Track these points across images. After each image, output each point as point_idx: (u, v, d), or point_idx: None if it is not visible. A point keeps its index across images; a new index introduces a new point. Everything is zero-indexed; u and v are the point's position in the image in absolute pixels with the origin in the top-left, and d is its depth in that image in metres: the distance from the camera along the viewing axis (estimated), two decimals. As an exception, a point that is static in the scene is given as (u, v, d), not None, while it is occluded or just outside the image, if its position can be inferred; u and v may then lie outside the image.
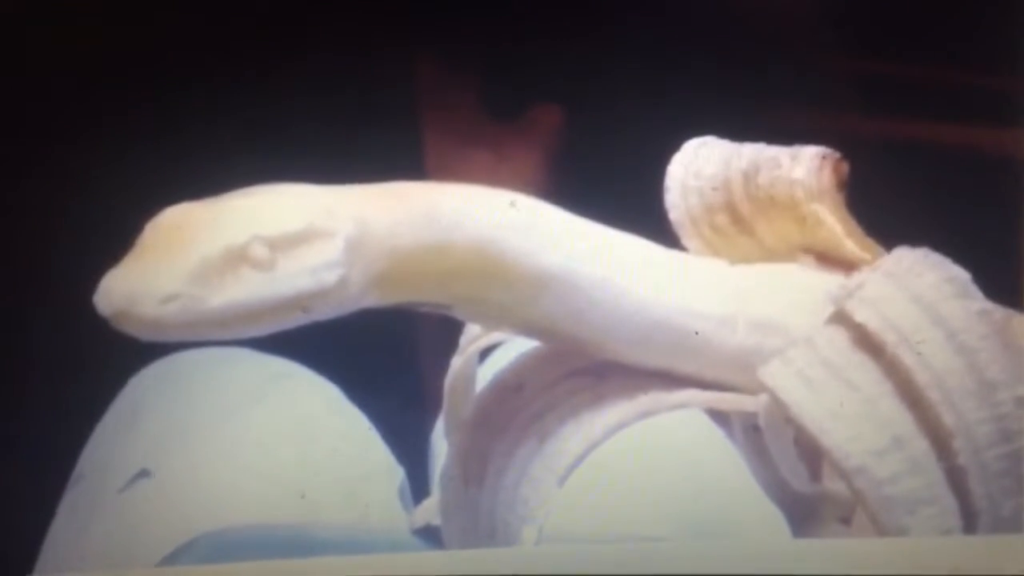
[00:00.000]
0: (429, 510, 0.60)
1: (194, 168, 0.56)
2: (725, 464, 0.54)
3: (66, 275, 0.49)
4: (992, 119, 0.63)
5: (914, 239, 0.46)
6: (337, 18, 0.70)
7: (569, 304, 0.46)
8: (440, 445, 0.61)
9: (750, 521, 0.55)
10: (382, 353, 0.67)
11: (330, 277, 0.43)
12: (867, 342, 0.44)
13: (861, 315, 0.44)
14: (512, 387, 0.50)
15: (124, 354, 0.64)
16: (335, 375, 0.68)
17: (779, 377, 0.45)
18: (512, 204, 0.46)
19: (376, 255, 0.44)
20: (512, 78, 0.72)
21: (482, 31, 0.70)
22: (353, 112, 0.69)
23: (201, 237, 0.42)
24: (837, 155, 0.49)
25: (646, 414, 0.47)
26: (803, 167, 0.49)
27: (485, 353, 0.54)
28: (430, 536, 0.59)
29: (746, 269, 0.49)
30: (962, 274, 0.44)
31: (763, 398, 0.45)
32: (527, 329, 0.49)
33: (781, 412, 0.45)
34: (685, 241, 0.51)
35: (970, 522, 0.44)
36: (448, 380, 0.53)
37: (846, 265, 0.48)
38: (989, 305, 0.44)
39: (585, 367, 0.49)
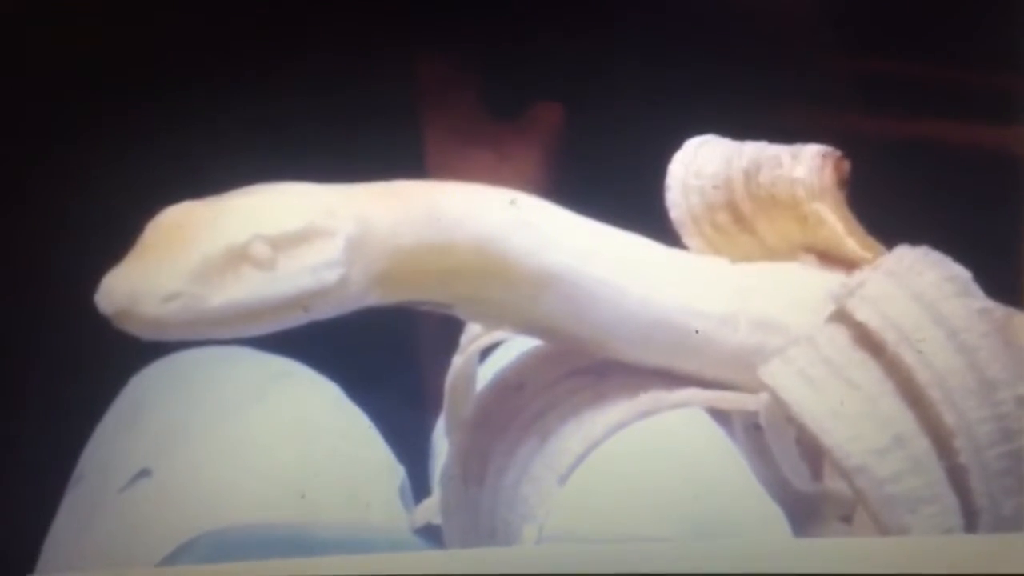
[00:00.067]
0: (430, 509, 0.60)
1: (195, 167, 0.56)
2: (726, 463, 0.54)
3: (67, 274, 0.49)
4: (993, 117, 0.63)
5: (915, 237, 0.46)
6: (337, 18, 0.70)
7: (570, 303, 0.46)
8: (441, 444, 0.61)
9: (751, 520, 0.55)
10: (383, 352, 0.67)
11: (331, 276, 0.43)
12: (868, 341, 0.44)
13: (862, 314, 0.44)
14: (513, 386, 0.50)
15: (125, 353, 0.64)
16: (336, 374, 0.68)
17: (780, 376, 0.45)
18: (513, 203, 0.46)
19: (377, 254, 0.44)
20: (513, 77, 0.72)
21: (483, 30, 0.70)
22: (354, 111, 0.69)
23: (202, 236, 0.42)
24: (838, 154, 0.49)
25: (647, 413, 0.47)
26: (804, 166, 0.49)
27: (486, 352, 0.54)
28: (431, 535, 0.59)
29: (747, 268, 0.49)
30: (963, 272, 0.44)
31: (764, 397, 0.45)
32: (528, 328, 0.49)
33: (782, 411, 0.45)
34: (686, 240, 0.51)
35: (971, 521, 0.44)
36: (449, 379, 0.53)
37: (847, 264, 0.48)
38: (990, 303, 0.44)
39: (586, 366, 0.49)
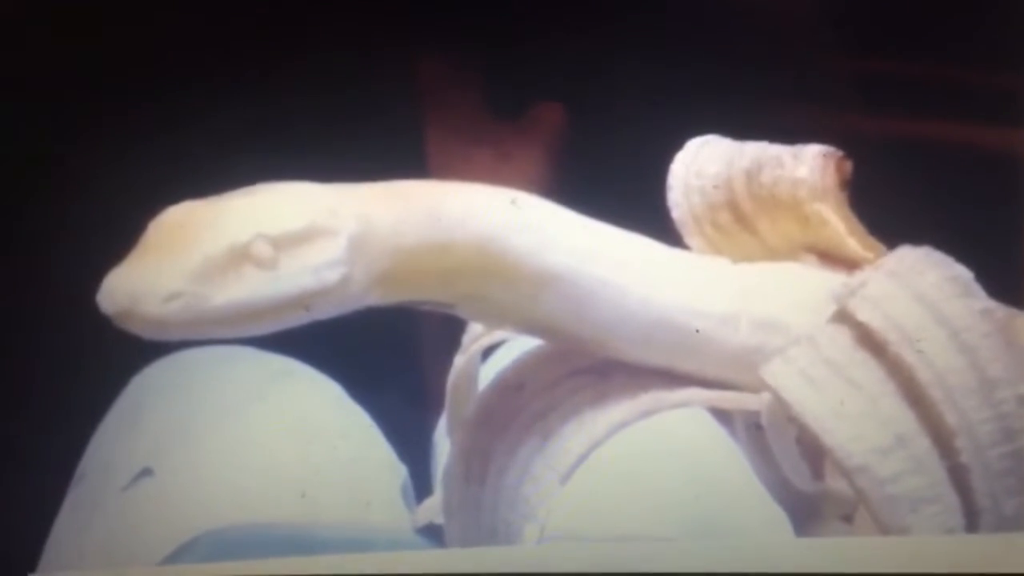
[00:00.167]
0: (431, 508, 0.60)
1: (195, 167, 0.56)
2: (728, 463, 0.54)
3: (68, 274, 0.49)
4: (994, 117, 0.63)
5: (916, 238, 0.46)
6: (337, 18, 0.70)
7: (571, 302, 0.46)
8: (443, 443, 0.61)
9: (752, 519, 0.55)
10: (385, 351, 0.67)
11: (332, 276, 0.43)
12: (869, 341, 0.44)
13: (863, 314, 0.44)
14: (514, 386, 0.50)
15: (126, 353, 0.64)
16: (337, 373, 0.68)
17: (781, 376, 0.45)
18: (514, 202, 0.46)
19: (379, 254, 0.44)
20: (514, 77, 0.72)
21: (483, 30, 0.70)
22: (355, 111, 0.69)
23: (204, 236, 0.42)
24: (840, 154, 0.49)
25: (648, 413, 0.47)
26: (806, 166, 0.49)
27: (488, 352, 0.54)
28: (432, 534, 0.59)
29: (748, 268, 0.49)
30: (964, 273, 0.44)
31: (765, 397, 0.45)
32: (529, 327, 0.49)
33: (783, 411, 0.45)
34: (687, 239, 0.51)
35: (972, 521, 0.44)
36: (451, 378, 0.53)
37: (849, 264, 0.48)
38: (991, 304, 0.44)
39: (587, 366, 0.49)
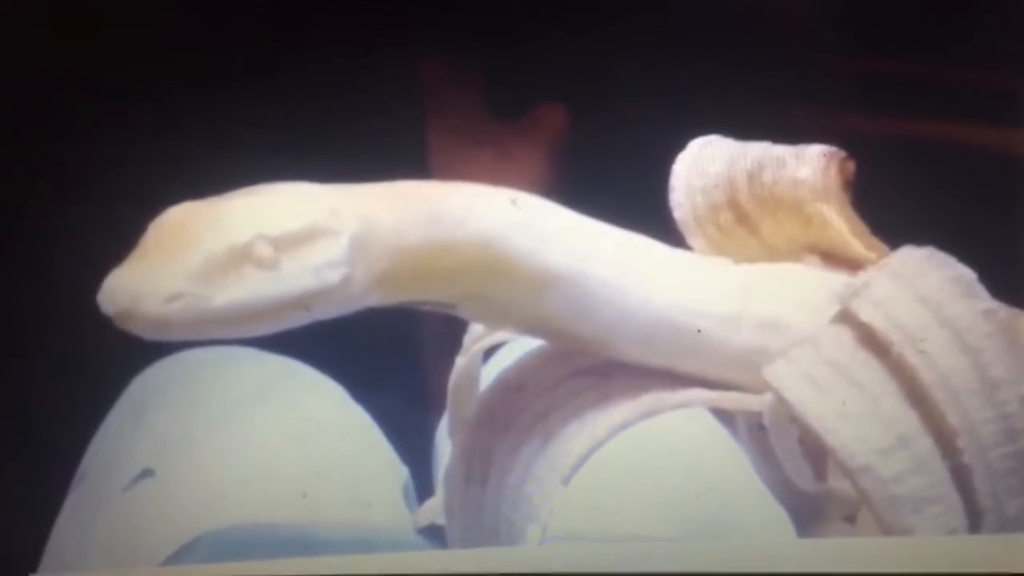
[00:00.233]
0: (433, 509, 0.60)
1: (197, 167, 0.56)
2: (729, 463, 0.54)
3: (69, 275, 0.49)
4: (997, 117, 0.63)
5: (918, 238, 0.46)
6: (338, 18, 0.70)
7: (572, 303, 0.46)
8: (444, 444, 0.61)
9: (754, 520, 0.55)
10: (386, 352, 0.67)
11: (334, 276, 0.43)
12: (872, 341, 0.44)
13: (866, 314, 0.44)
14: (516, 386, 0.50)
15: (127, 354, 0.64)
16: (339, 374, 0.68)
17: (784, 376, 0.45)
18: (515, 203, 0.46)
19: (380, 254, 0.44)
20: (514, 77, 0.72)
21: (484, 30, 0.70)
22: (356, 111, 0.69)
23: (205, 236, 0.42)
24: (843, 154, 0.49)
25: (650, 413, 0.47)
26: (809, 166, 0.49)
27: (489, 352, 0.54)
28: (434, 535, 0.59)
29: (750, 268, 0.49)
30: (968, 273, 0.44)
31: (768, 397, 0.45)
32: (531, 328, 0.49)
33: (786, 411, 0.45)
34: (690, 240, 0.51)
35: (975, 521, 0.44)
36: (452, 379, 0.53)
37: (851, 264, 0.48)
38: (994, 304, 0.44)
39: (589, 367, 0.49)
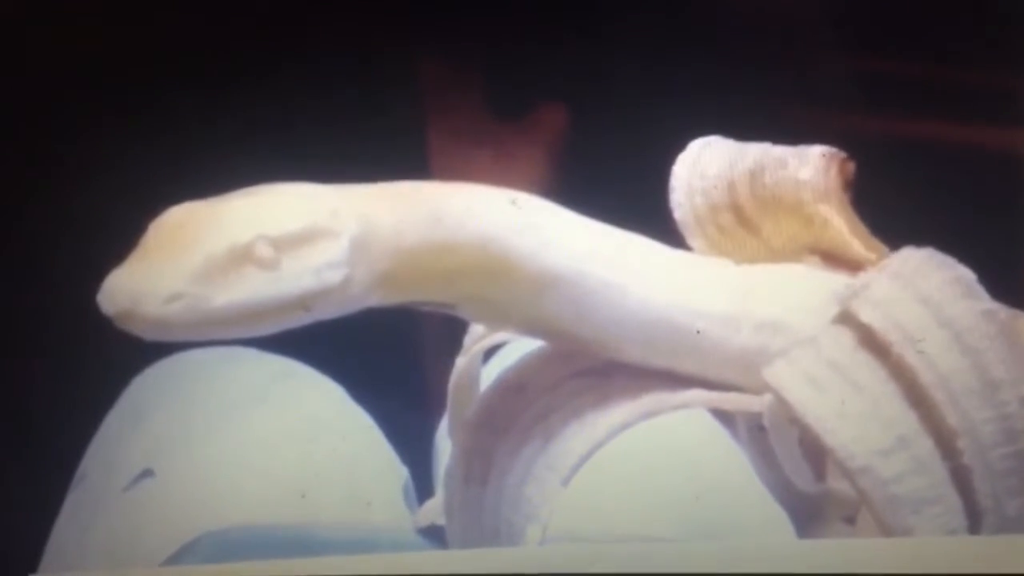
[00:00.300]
0: (433, 510, 0.60)
1: (197, 167, 0.56)
2: (729, 464, 0.54)
3: (69, 275, 0.49)
4: (997, 118, 0.63)
5: (918, 239, 0.46)
6: (338, 18, 0.70)
7: (572, 303, 0.46)
8: (444, 445, 0.61)
9: (754, 521, 0.55)
10: (386, 353, 0.67)
11: (334, 277, 0.43)
12: (872, 342, 0.44)
13: (867, 315, 0.44)
14: (515, 387, 0.50)
15: (127, 354, 0.64)
16: (339, 375, 0.68)
17: (784, 377, 0.45)
18: (515, 203, 0.46)
19: (380, 254, 0.44)
20: (515, 77, 0.72)
21: (484, 30, 0.70)
22: (356, 112, 0.69)
23: (205, 236, 0.42)
24: (843, 155, 0.49)
25: (650, 414, 0.47)
26: (810, 167, 0.49)
27: (489, 353, 0.54)
28: (434, 536, 0.59)
29: (751, 269, 0.49)
30: (968, 274, 0.44)
31: (768, 398, 0.45)
32: (531, 328, 0.49)
33: (786, 412, 0.45)
34: (690, 241, 0.51)
35: (975, 522, 0.44)
36: (452, 380, 0.53)
37: (852, 265, 0.48)
38: (995, 305, 0.44)
39: (589, 367, 0.49)
